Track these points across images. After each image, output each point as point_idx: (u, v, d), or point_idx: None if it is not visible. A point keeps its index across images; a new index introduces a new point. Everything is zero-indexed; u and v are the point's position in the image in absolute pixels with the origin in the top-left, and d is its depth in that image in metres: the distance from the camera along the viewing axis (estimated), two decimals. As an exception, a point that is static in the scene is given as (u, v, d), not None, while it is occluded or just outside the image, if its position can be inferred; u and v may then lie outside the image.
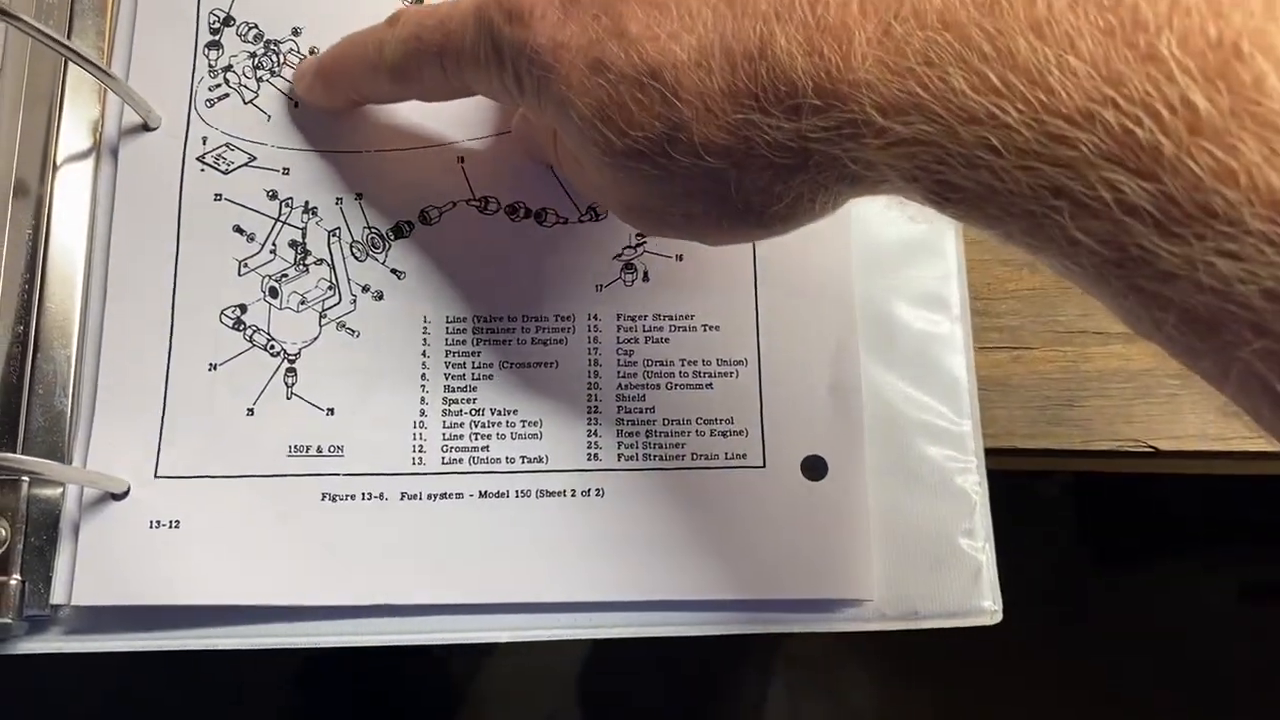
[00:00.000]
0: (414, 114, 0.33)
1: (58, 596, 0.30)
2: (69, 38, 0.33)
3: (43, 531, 0.30)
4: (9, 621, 0.29)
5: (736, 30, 0.21)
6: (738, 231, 0.25)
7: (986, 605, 0.30)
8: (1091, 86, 0.16)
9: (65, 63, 0.33)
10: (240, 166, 0.33)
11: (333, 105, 0.33)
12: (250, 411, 0.31)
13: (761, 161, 0.22)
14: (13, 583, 0.29)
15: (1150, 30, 0.16)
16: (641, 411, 0.31)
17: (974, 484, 0.31)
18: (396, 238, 0.32)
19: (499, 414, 0.31)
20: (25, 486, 0.30)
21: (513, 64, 0.25)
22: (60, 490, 0.30)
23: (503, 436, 0.31)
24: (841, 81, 0.19)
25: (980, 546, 0.30)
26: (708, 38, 0.21)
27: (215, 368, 0.31)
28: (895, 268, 0.32)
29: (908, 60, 0.18)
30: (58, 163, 0.32)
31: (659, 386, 0.31)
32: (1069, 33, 0.17)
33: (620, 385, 0.31)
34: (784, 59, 0.20)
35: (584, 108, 0.23)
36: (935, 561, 0.30)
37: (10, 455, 0.29)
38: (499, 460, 0.31)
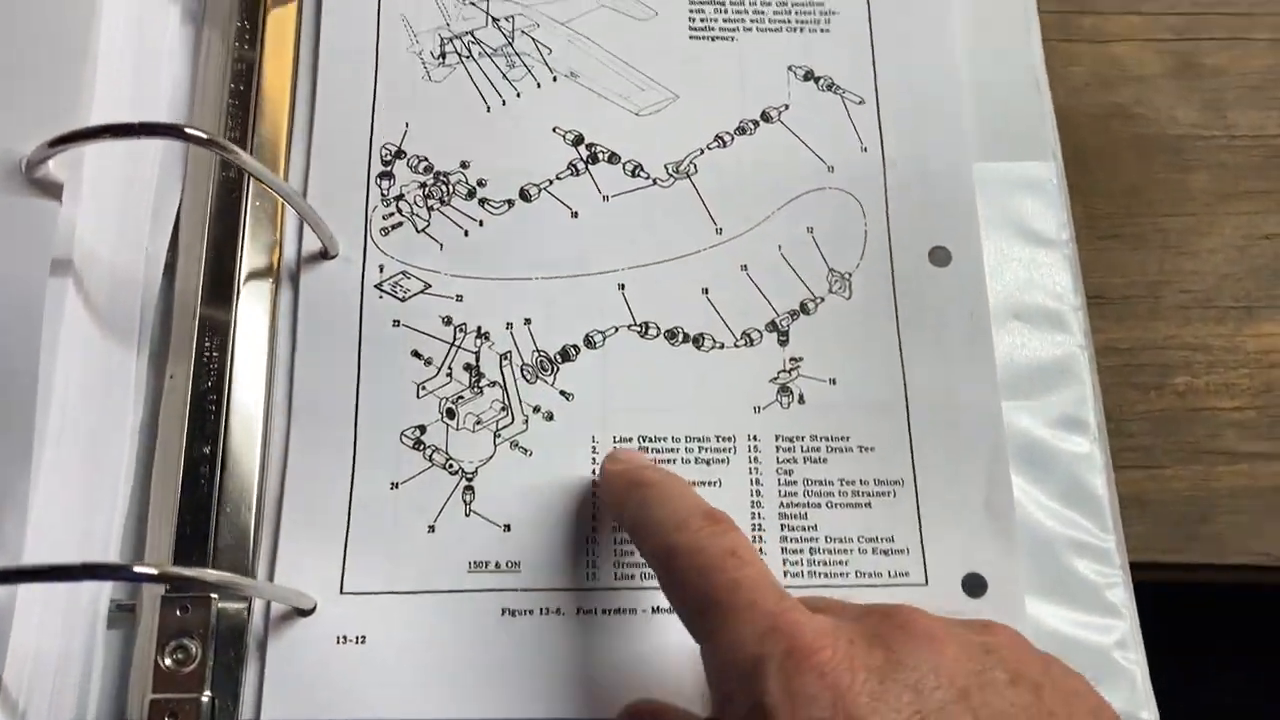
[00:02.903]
0: (577, 243, 0.35)
1: (246, 713, 0.30)
2: (251, 168, 0.35)
3: (230, 648, 0.31)
4: (203, 740, 0.30)
5: None
6: None
7: (1145, 717, 0.31)
8: None
9: (247, 190, 0.35)
10: (416, 294, 0.34)
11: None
12: (431, 529, 0.32)
13: None
14: (204, 700, 0.30)
15: None
16: (805, 529, 0.33)
17: (1122, 598, 0.32)
18: (564, 361, 0.34)
19: None
20: (214, 604, 0.31)
21: (743, 681, 0.24)
22: (246, 608, 0.31)
23: None
24: None
25: (1134, 659, 0.32)
26: None
27: (397, 486, 0.33)
28: (1035, 392, 0.34)
29: None
30: (241, 285, 0.34)
31: (820, 505, 0.33)
32: None
33: (783, 504, 0.33)
34: None
35: None
36: (1092, 676, 0.31)
37: (209, 571, 0.30)
38: None
